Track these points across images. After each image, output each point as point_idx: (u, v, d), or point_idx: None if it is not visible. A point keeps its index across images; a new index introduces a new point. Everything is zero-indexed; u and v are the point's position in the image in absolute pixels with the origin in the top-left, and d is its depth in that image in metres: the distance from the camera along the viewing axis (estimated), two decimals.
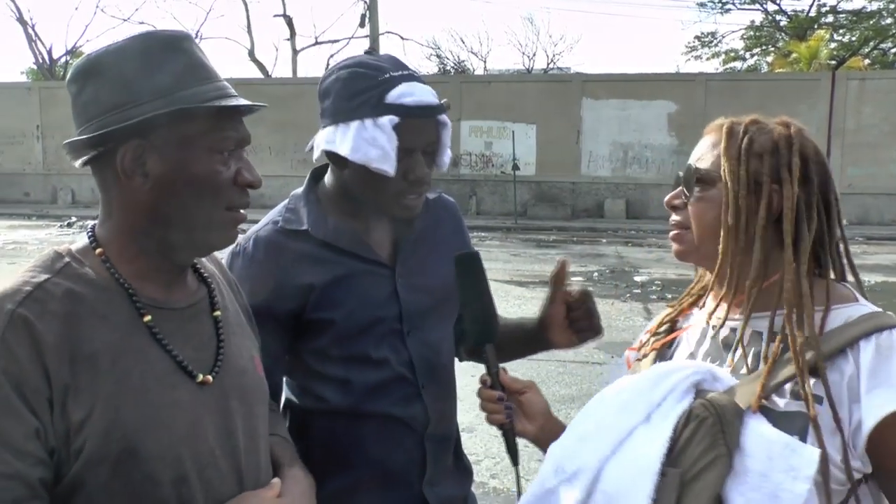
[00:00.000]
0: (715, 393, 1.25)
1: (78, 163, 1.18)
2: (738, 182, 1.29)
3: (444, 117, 1.65)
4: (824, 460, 1.15)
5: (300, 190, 1.74)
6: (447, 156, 1.69)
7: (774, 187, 1.28)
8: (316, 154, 1.66)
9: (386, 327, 1.67)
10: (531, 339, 1.79)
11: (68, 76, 1.18)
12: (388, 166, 1.55)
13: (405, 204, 1.64)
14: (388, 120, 1.54)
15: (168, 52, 1.15)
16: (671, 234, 1.41)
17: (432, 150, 1.66)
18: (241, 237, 1.61)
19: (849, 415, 1.18)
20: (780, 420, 1.20)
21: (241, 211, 1.22)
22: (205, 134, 1.15)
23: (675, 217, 1.39)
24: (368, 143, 1.54)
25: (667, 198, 1.41)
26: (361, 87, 1.57)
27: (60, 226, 16.67)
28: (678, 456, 1.20)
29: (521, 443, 1.56)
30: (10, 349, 1.02)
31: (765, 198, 1.28)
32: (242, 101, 1.18)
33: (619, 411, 1.28)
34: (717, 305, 1.36)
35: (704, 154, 1.36)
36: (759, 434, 1.17)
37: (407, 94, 1.56)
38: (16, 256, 12.35)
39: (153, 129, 1.12)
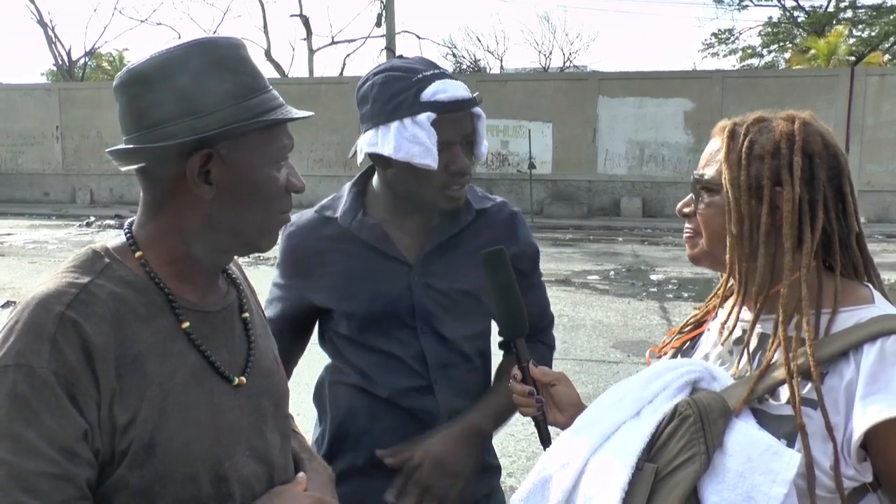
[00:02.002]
0: (705, 392, 1.25)
1: (127, 168, 1.18)
2: (739, 188, 1.27)
3: (478, 110, 1.74)
4: (810, 466, 1.14)
5: (348, 185, 1.86)
6: (484, 146, 1.78)
7: (777, 189, 1.26)
8: (360, 158, 1.75)
9: (399, 321, 1.74)
10: None
11: (120, 79, 1.16)
12: (431, 160, 1.63)
13: (449, 195, 1.71)
14: (425, 117, 1.63)
15: (228, 60, 1.16)
16: (684, 237, 1.43)
17: (469, 140, 1.74)
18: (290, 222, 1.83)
19: (844, 420, 1.15)
20: (770, 422, 1.19)
21: (288, 214, 1.26)
22: (266, 144, 1.18)
23: (687, 224, 1.41)
24: (409, 140, 1.63)
25: (679, 205, 1.42)
26: (397, 88, 1.66)
27: (79, 225, 16.80)
28: (658, 452, 1.21)
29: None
30: (60, 351, 1.03)
31: (766, 203, 1.26)
32: (300, 113, 1.22)
33: (612, 406, 1.32)
34: (731, 309, 1.36)
35: (709, 160, 1.36)
36: (743, 435, 1.17)
37: (441, 90, 1.65)
38: (37, 256, 12.47)
39: (221, 139, 1.13)
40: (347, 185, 1.85)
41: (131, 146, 1.14)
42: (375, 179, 1.81)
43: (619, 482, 1.19)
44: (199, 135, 1.11)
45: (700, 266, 1.42)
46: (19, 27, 78.22)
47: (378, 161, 1.73)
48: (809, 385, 1.18)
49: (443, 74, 1.69)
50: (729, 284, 1.44)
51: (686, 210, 1.40)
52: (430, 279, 1.76)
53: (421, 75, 1.66)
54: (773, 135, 1.28)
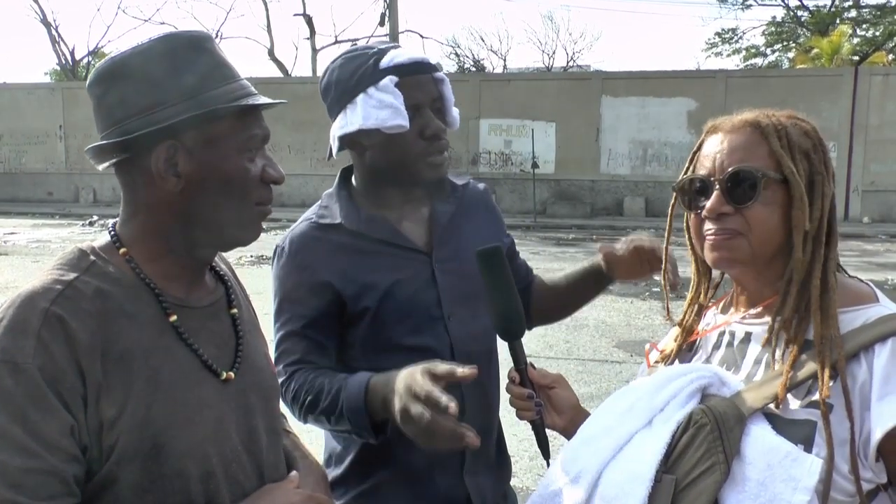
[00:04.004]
0: (718, 398, 1.23)
1: (102, 166, 1.19)
2: (801, 183, 1.24)
3: (440, 74, 1.72)
4: (830, 464, 1.12)
5: (332, 188, 1.80)
6: (455, 112, 1.75)
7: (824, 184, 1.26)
8: (335, 147, 1.71)
9: (426, 313, 1.69)
10: (591, 283, 1.91)
11: (90, 79, 1.17)
12: (402, 119, 1.61)
13: (430, 163, 1.68)
14: (388, 80, 1.62)
15: (192, 52, 1.16)
16: (717, 239, 1.28)
17: (439, 106, 1.71)
18: (279, 239, 1.73)
19: (860, 423, 1.14)
20: (784, 427, 1.16)
21: (267, 207, 1.24)
22: (234, 133, 1.17)
23: (719, 225, 1.28)
24: (377, 107, 1.62)
25: (711, 205, 1.27)
26: (356, 65, 1.66)
27: (82, 224, 16.83)
28: (675, 462, 1.18)
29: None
30: (46, 347, 1.03)
31: (820, 196, 1.25)
32: (267, 100, 1.21)
33: (622, 415, 1.28)
34: (766, 312, 1.31)
35: (745, 155, 1.26)
36: (760, 441, 1.15)
37: (398, 55, 1.65)
38: (40, 254, 12.50)
39: (185, 130, 1.13)
40: (330, 194, 1.79)
41: (101, 143, 1.14)
42: (355, 178, 1.79)
43: (639, 495, 1.17)
44: (158, 126, 1.11)
45: (733, 270, 1.32)
46: (22, 27, 78.43)
47: (353, 146, 1.70)
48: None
49: (397, 46, 1.69)
50: (703, 289, 1.44)
51: (725, 209, 1.26)
52: (447, 264, 1.73)
53: (376, 48, 1.67)
54: (803, 130, 1.28)
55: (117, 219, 1.22)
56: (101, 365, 1.06)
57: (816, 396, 1.16)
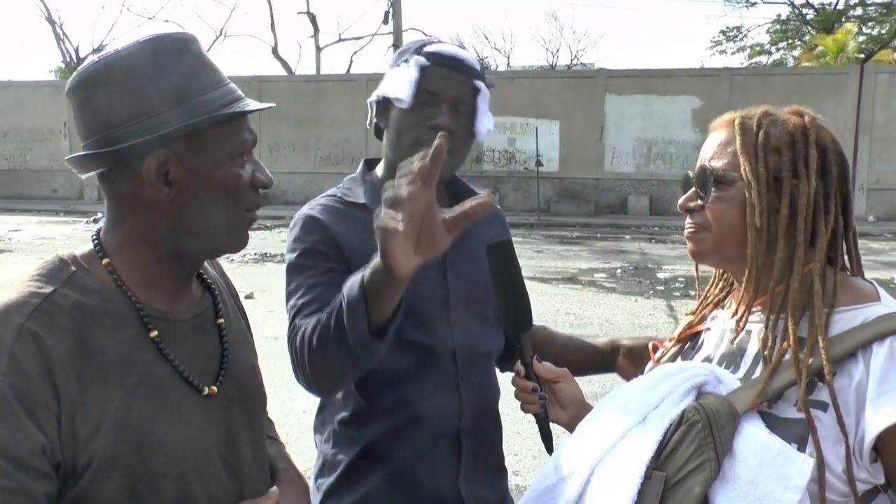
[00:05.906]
0: (712, 396, 1.22)
1: (86, 175, 1.15)
2: (759, 180, 1.25)
3: (480, 83, 1.68)
4: (821, 470, 1.12)
5: (355, 173, 1.80)
6: (483, 124, 1.72)
7: (794, 182, 1.25)
8: (371, 113, 1.73)
9: (432, 312, 1.66)
10: (596, 363, 1.83)
11: (72, 82, 1.12)
12: (401, 93, 1.61)
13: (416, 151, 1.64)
14: (415, 59, 1.64)
15: (179, 56, 1.12)
16: (687, 233, 1.36)
17: (465, 110, 1.67)
18: (302, 209, 1.72)
19: (855, 422, 1.13)
20: (779, 426, 1.16)
21: (256, 213, 1.21)
22: (225, 139, 1.14)
23: (691, 220, 1.35)
24: (394, 78, 1.65)
25: (681, 201, 1.36)
26: (405, 48, 1.72)
27: (87, 221, 16.86)
28: (666, 459, 1.18)
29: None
30: (19, 364, 1.00)
31: (786, 195, 1.24)
32: (258, 105, 1.17)
33: (617, 412, 1.29)
34: (738, 308, 1.33)
35: (718, 152, 1.32)
36: (752, 440, 1.14)
37: (444, 47, 1.68)
38: (44, 252, 12.51)
39: (176, 138, 1.09)
40: (353, 178, 1.78)
41: (86, 153, 1.10)
42: (380, 168, 1.76)
43: (629, 491, 1.16)
44: (151, 135, 1.07)
45: (703, 263, 1.38)
46: (28, 24, 78.47)
47: (376, 127, 1.72)
48: (819, 386, 1.16)
49: (458, 45, 1.72)
50: (720, 285, 1.44)
51: (691, 205, 1.34)
52: (459, 265, 1.70)
53: (437, 39, 1.71)
54: (787, 127, 1.27)
55: (101, 226, 1.19)
56: (76, 382, 1.03)
57: (811, 396, 1.16)
